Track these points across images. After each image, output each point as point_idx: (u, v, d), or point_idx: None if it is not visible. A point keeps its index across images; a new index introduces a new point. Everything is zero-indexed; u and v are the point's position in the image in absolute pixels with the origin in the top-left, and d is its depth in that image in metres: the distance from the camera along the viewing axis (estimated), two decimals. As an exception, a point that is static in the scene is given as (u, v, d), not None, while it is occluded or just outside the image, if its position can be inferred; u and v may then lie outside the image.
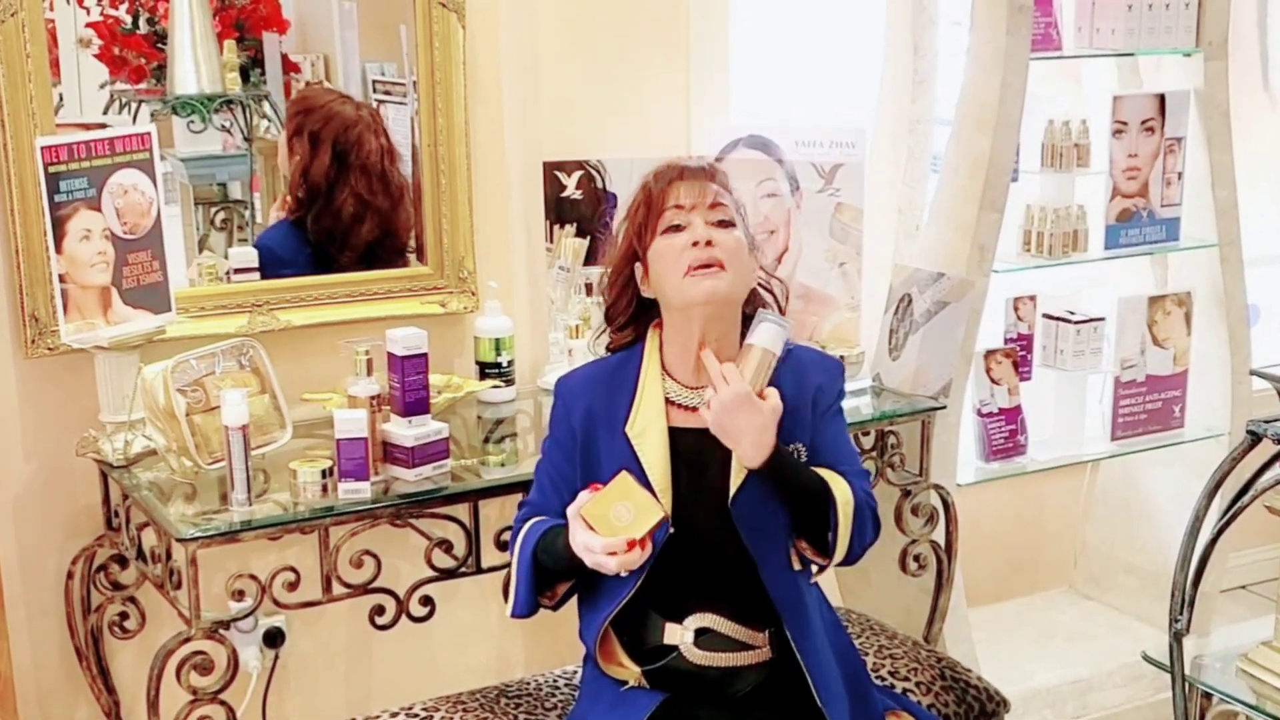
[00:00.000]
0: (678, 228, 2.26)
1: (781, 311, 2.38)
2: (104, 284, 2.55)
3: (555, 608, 2.36)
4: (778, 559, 2.28)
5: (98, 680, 2.84)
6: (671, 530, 2.22)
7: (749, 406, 2.19)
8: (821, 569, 2.34)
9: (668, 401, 2.31)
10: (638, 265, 2.31)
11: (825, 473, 2.29)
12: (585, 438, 2.32)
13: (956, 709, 2.64)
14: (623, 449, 2.29)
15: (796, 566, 2.32)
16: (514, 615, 2.33)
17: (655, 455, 2.28)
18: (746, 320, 2.32)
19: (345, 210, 2.92)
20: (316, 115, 2.92)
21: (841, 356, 2.94)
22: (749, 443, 2.20)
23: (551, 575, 2.30)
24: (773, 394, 2.22)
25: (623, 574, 2.20)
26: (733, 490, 2.25)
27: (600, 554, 2.17)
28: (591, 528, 2.18)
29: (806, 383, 2.32)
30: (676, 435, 2.29)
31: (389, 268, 3.00)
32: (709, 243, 2.23)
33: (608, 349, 2.43)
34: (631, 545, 2.16)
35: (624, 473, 2.21)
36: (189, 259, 2.89)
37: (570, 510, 2.22)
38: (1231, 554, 3.77)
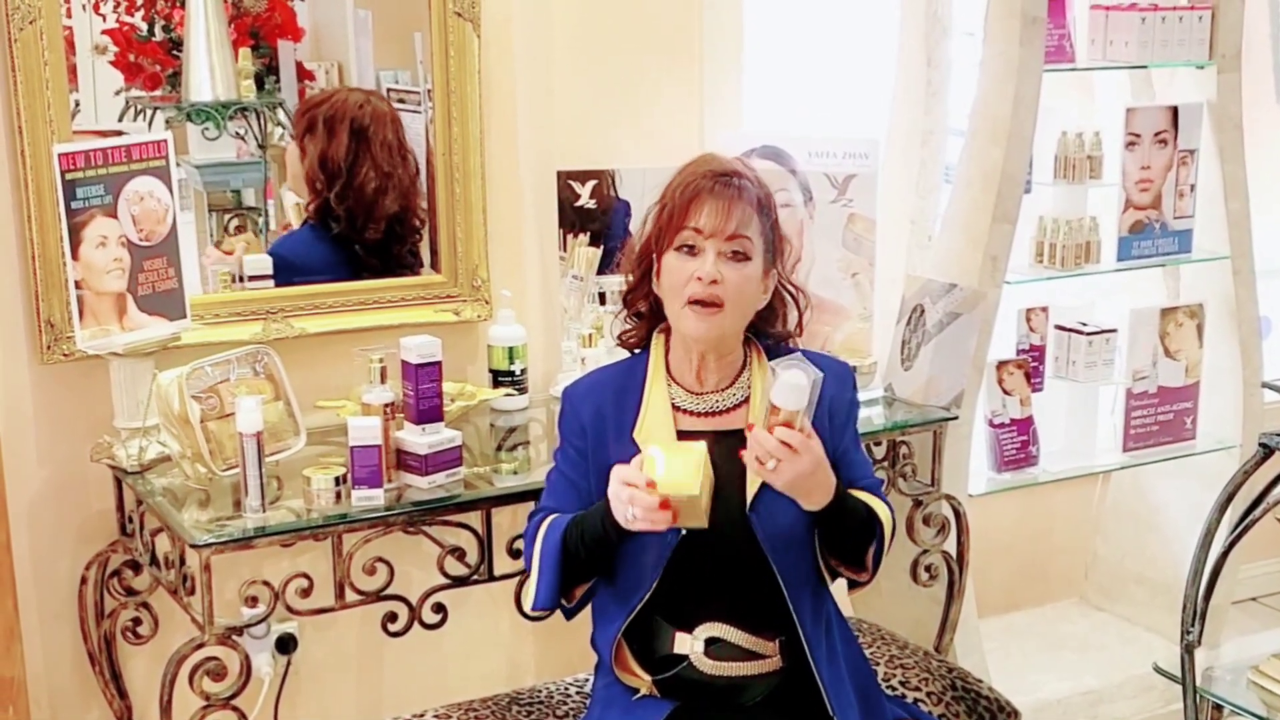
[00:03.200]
0: (691, 249, 2.25)
1: (800, 319, 2.38)
2: (119, 290, 2.56)
3: (570, 615, 2.36)
4: (796, 565, 2.27)
5: (110, 685, 2.84)
6: (684, 532, 2.20)
7: (823, 468, 2.18)
8: (859, 584, 2.36)
9: (674, 408, 2.32)
10: (655, 258, 2.31)
11: (865, 496, 2.31)
12: (596, 440, 2.33)
13: (967, 719, 2.64)
14: (631, 454, 2.28)
15: (829, 582, 2.33)
16: (536, 607, 2.29)
17: None
18: (752, 327, 2.33)
19: (368, 185, 2.93)
20: (326, 105, 2.93)
21: (854, 367, 2.95)
22: (819, 495, 2.20)
23: (575, 565, 2.26)
24: (814, 435, 2.18)
25: (636, 519, 2.12)
26: (750, 496, 2.25)
27: (621, 484, 2.12)
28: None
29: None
30: (685, 439, 2.29)
31: (404, 245, 3.01)
32: (714, 280, 2.23)
33: (618, 338, 2.43)
34: (658, 499, 2.09)
35: (697, 445, 2.14)
36: (204, 266, 2.90)
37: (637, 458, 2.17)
38: (1242, 566, 3.77)
